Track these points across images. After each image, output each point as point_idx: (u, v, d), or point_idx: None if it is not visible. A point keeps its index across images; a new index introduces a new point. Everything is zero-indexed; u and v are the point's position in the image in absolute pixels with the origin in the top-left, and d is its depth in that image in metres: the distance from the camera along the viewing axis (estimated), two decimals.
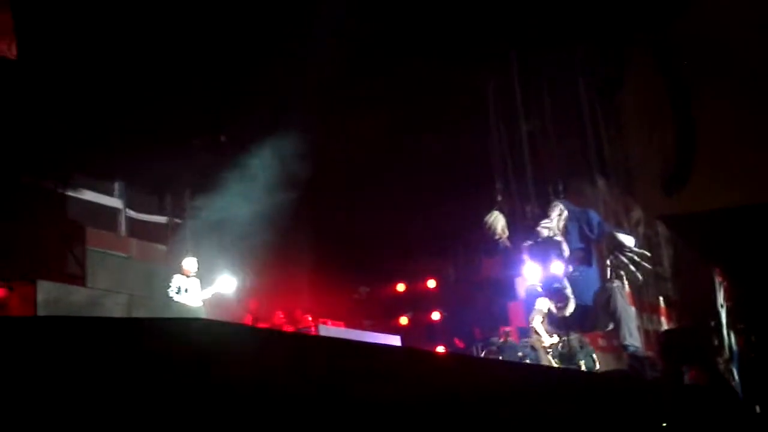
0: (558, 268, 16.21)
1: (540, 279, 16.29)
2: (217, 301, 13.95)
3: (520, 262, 16.90)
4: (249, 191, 17.38)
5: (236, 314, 14.99)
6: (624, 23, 18.87)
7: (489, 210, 16.65)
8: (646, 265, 16.34)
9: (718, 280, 26.65)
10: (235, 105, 15.47)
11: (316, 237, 18.15)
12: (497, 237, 16.52)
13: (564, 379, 14.05)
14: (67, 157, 13.96)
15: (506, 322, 18.15)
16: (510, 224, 16.61)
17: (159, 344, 7.35)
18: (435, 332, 18.69)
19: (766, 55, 20.02)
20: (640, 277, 16.38)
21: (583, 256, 16.74)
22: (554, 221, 16.43)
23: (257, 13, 14.32)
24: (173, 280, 13.12)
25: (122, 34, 13.29)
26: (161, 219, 16.47)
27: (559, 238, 16.36)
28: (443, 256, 19.80)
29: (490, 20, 16.28)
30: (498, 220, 16.42)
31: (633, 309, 18.15)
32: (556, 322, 16.26)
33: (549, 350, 16.08)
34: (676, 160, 22.43)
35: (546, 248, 16.35)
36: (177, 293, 13.03)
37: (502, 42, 16.80)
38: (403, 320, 18.95)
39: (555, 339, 16.05)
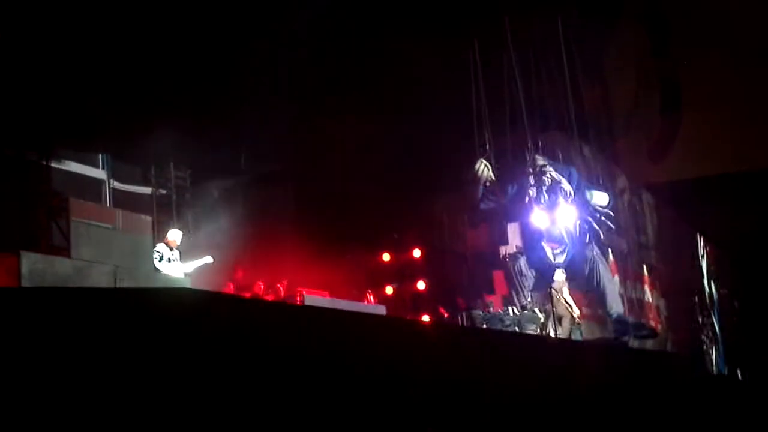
0: (568, 213, 16.26)
1: (546, 226, 16.33)
2: (201, 271, 13.95)
3: (516, 211, 16.90)
4: (234, 161, 17.39)
5: (220, 284, 15.01)
6: None
7: (474, 176, 16.68)
8: (610, 224, 16.39)
9: (701, 245, 26.86)
10: (221, 79, 15.42)
11: (301, 206, 18.16)
12: (485, 184, 16.56)
13: (550, 347, 14.20)
14: (50, 128, 13.88)
15: (491, 291, 18.23)
16: (496, 174, 16.66)
17: (144, 313, 7.40)
18: (420, 302, 18.75)
19: (751, 25, 20.08)
20: (602, 236, 16.44)
21: None
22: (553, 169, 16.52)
23: None
24: (156, 248, 13.13)
25: (104, 5, 13.21)
26: (146, 190, 16.45)
27: (566, 186, 16.41)
28: (428, 225, 19.83)
29: None
30: (486, 169, 16.45)
31: (616, 278, 18.24)
32: (546, 270, 16.43)
33: (578, 320, 16.27)
34: (662, 128, 22.55)
35: (551, 195, 16.45)
36: (159, 261, 13.04)
37: (491, 6, 16.80)
38: (389, 290, 18.98)
39: (577, 310, 16.24)
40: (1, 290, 8.97)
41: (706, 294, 27.19)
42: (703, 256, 27.54)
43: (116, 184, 15.76)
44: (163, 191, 16.51)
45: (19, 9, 12.80)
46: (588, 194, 16.64)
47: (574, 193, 16.51)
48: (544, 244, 16.44)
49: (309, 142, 17.61)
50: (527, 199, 16.39)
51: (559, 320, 16.01)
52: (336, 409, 8.00)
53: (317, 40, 15.92)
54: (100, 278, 11.00)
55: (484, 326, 15.78)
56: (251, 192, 17.69)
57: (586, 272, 16.69)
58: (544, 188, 16.45)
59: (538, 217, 16.28)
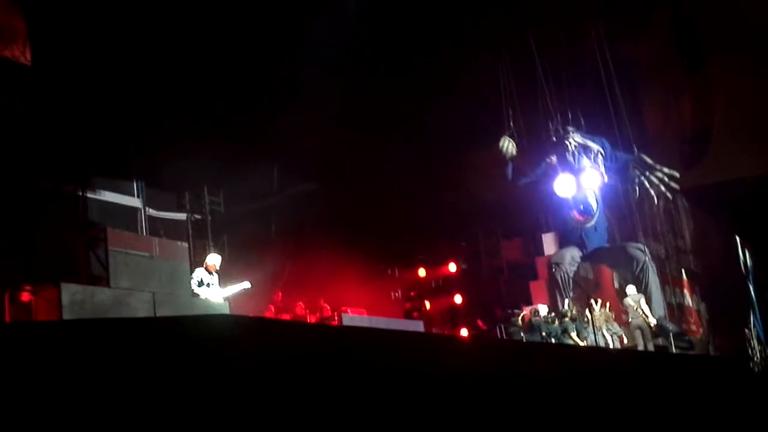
0: (592, 178, 16.18)
1: (572, 192, 16.29)
2: (240, 294, 13.94)
3: (543, 179, 16.81)
4: (267, 183, 17.47)
5: (260, 307, 15.04)
6: None
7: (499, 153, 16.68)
8: (674, 185, 16.20)
9: (740, 247, 26.45)
10: (249, 101, 15.50)
11: (335, 225, 18.19)
12: (512, 161, 16.56)
13: (589, 357, 14.10)
14: (84, 159, 14.05)
15: (528, 302, 18.16)
16: (520, 149, 16.67)
17: (183, 342, 7.45)
18: (458, 315, 18.73)
19: None
20: (670, 197, 16.25)
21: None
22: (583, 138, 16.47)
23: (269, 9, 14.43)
24: (194, 273, 13.13)
25: (134, 36, 13.35)
26: (181, 216, 16.56)
27: (593, 145, 16.32)
28: (462, 239, 19.82)
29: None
30: (510, 145, 16.44)
31: (658, 284, 18.04)
32: (575, 235, 16.45)
33: (653, 329, 16.32)
34: (694, 132, 22.30)
35: (577, 159, 16.43)
36: (198, 286, 13.03)
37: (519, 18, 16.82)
38: (426, 305, 18.98)
39: (653, 319, 16.33)
40: (43, 324, 9.07)
41: (748, 295, 26.84)
42: (741, 258, 27.20)
43: (152, 212, 15.88)
44: (198, 216, 16.61)
45: (51, 42, 12.99)
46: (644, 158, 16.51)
47: (612, 161, 16.46)
48: (575, 215, 16.54)
49: (340, 160, 17.66)
50: (546, 166, 16.38)
51: (638, 329, 16.24)
52: (379, 428, 8.00)
53: (344, 56, 15.94)
54: (139, 306, 11.10)
55: (522, 336, 15.76)
56: (285, 212, 17.78)
57: (635, 272, 16.67)
58: (569, 153, 16.41)
59: (563, 183, 16.22)
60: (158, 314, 11.05)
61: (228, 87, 15.14)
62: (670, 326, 17.63)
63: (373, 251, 18.33)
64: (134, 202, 15.72)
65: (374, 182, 17.93)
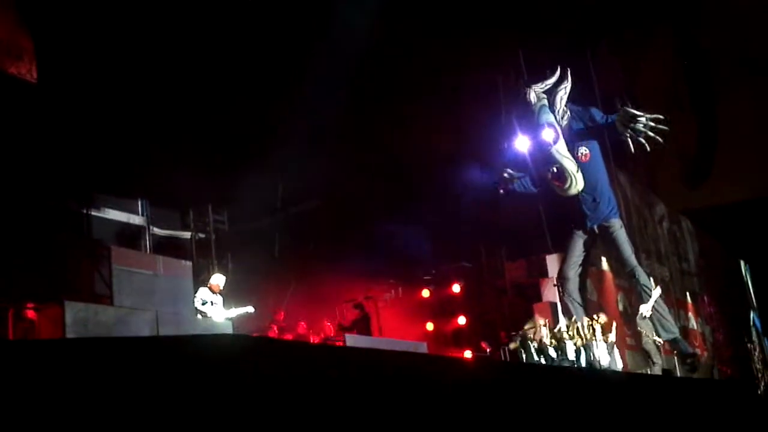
0: (548, 134, 16.28)
1: (529, 149, 16.45)
2: (244, 314, 13.90)
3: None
4: (271, 202, 17.46)
5: (262, 326, 14.99)
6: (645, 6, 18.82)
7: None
8: (663, 127, 15.99)
9: (744, 271, 26.37)
10: (253, 120, 15.54)
11: (340, 247, 18.13)
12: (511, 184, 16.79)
13: (594, 381, 14.04)
14: (89, 177, 14.08)
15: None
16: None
17: (186, 361, 7.42)
18: (461, 337, 18.61)
19: None
20: (662, 140, 16.03)
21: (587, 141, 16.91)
22: (544, 86, 16.52)
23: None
24: (198, 293, 13.11)
25: (139, 55, 13.39)
26: (185, 234, 16.56)
27: (563, 98, 16.30)
28: (466, 260, 19.73)
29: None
30: (507, 177, 16.72)
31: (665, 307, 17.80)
32: (575, 212, 16.57)
33: (661, 345, 16.34)
34: (698, 152, 22.30)
35: (537, 116, 16.53)
36: (202, 305, 13.00)
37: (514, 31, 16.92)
38: (429, 326, 18.85)
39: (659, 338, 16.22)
40: (46, 342, 9.04)
41: (752, 318, 26.82)
42: (746, 281, 27.20)
43: (156, 230, 15.89)
44: (202, 235, 16.61)
45: (57, 61, 13.04)
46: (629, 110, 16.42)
47: (605, 122, 16.48)
48: (551, 181, 16.64)
49: (344, 179, 17.65)
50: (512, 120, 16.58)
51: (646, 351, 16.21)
52: None
53: (346, 75, 15.99)
54: (142, 325, 11.04)
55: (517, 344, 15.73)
56: (289, 231, 17.76)
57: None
58: (534, 108, 16.53)
59: (521, 143, 16.49)
60: (161, 333, 11.00)
61: (232, 106, 15.17)
62: (683, 346, 17.51)
63: (378, 272, 18.28)
64: (138, 220, 15.75)
65: (378, 202, 17.89)
